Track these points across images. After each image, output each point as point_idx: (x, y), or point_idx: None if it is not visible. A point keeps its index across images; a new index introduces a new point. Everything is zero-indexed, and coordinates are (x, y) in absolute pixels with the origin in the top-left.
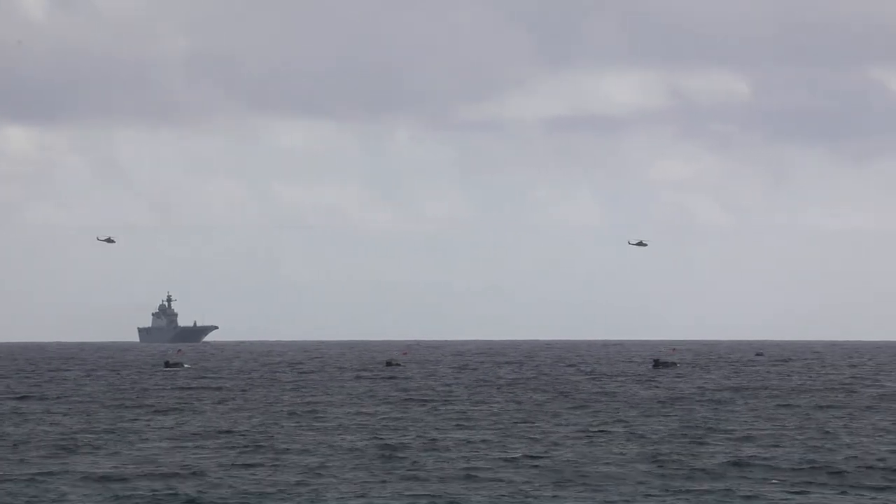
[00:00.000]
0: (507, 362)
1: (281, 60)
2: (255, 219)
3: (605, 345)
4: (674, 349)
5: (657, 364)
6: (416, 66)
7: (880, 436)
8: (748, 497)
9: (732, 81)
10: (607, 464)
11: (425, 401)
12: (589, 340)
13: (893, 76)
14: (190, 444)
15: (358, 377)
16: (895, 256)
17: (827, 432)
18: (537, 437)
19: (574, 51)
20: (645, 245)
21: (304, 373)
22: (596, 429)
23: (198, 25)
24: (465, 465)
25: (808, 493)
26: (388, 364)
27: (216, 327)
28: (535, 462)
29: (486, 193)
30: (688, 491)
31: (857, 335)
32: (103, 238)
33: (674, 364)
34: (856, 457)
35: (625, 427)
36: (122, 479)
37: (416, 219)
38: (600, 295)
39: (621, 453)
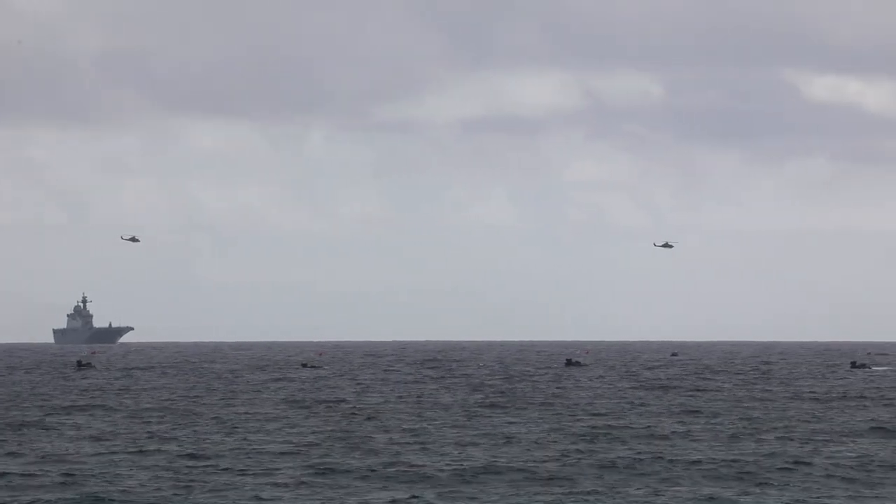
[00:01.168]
0: (424, 360)
1: (195, 60)
2: (170, 219)
3: (522, 346)
4: (587, 350)
5: (569, 363)
6: (331, 66)
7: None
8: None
9: (645, 82)
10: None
11: (340, 401)
12: (503, 341)
13: (805, 77)
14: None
15: (275, 380)
16: (808, 256)
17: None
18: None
19: (489, 51)
20: (671, 247)
21: (219, 374)
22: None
23: (111, 24)
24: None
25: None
26: (304, 366)
27: (132, 328)
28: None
29: (402, 194)
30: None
31: (785, 336)
32: (128, 237)
33: (583, 364)
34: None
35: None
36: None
37: (332, 220)
38: (516, 296)
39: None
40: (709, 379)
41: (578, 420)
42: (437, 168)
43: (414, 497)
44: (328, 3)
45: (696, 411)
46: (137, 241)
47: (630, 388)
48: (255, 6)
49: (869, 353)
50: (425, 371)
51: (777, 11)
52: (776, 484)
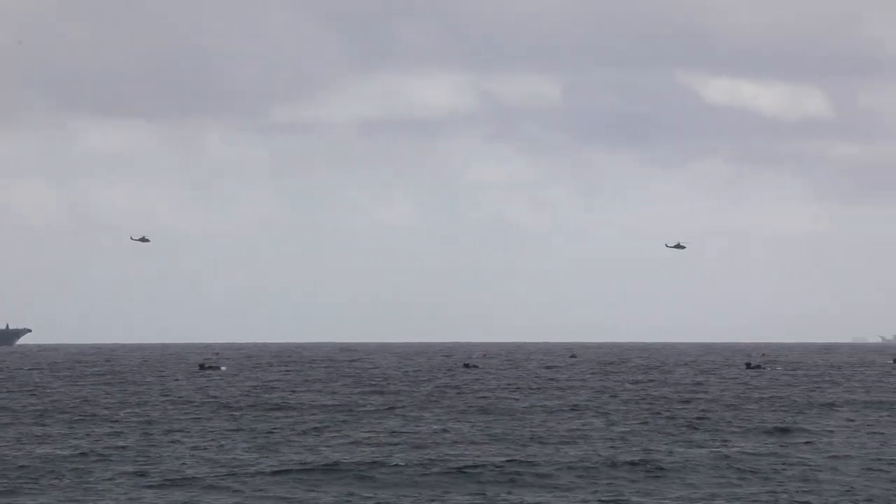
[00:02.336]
0: (317, 359)
1: (92, 60)
2: (66, 220)
3: (422, 347)
4: (484, 353)
5: (467, 366)
6: (228, 67)
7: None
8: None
9: (543, 84)
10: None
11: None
12: (404, 343)
13: (700, 79)
14: None
15: (176, 381)
16: (707, 257)
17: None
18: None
19: (387, 52)
20: (683, 248)
21: (112, 376)
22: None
23: (7, 23)
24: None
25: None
26: (202, 367)
27: (29, 330)
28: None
29: (300, 195)
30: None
31: (684, 336)
32: (137, 238)
33: (477, 367)
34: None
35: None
36: None
37: (230, 220)
38: (416, 296)
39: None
40: (607, 376)
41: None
42: (336, 169)
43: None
44: (225, 4)
45: (585, 407)
46: (147, 241)
47: (512, 392)
48: (152, 7)
49: (763, 355)
50: (314, 373)
51: (672, 14)
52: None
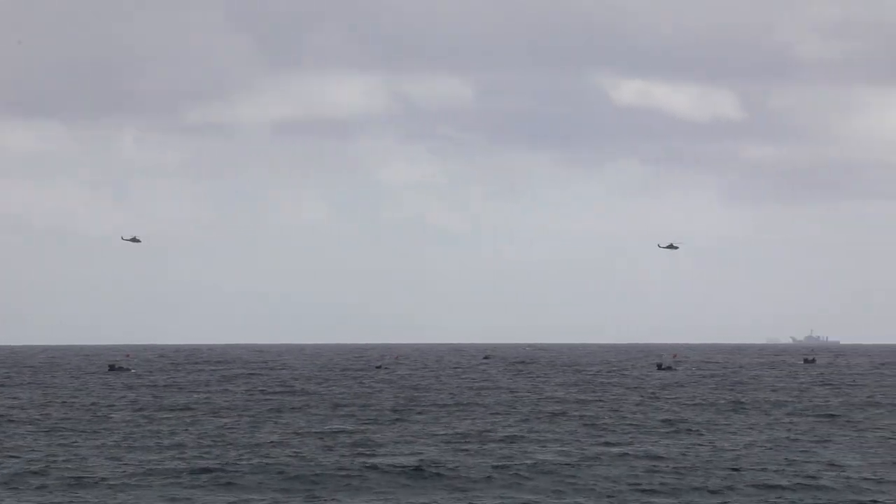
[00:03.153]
0: (220, 361)
1: (4, 61)
2: None
3: (337, 349)
4: (397, 356)
5: (379, 368)
6: (141, 67)
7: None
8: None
9: (457, 85)
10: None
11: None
12: (321, 344)
13: (613, 81)
14: None
15: (84, 382)
16: (623, 259)
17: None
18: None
19: (300, 54)
20: (676, 248)
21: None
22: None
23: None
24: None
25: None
26: (112, 368)
27: None
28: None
29: (215, 196)
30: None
31: (598, 338)
32: (128, 238)
33: (388, 368)
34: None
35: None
36: None
37: (145, 222)
38: (332, 297)
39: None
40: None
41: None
42: (251, 170)
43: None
44: (139, 5)
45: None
46: (139, 241)
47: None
48: (65, 8)
49: (675, 356)
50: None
51: (586, 16)
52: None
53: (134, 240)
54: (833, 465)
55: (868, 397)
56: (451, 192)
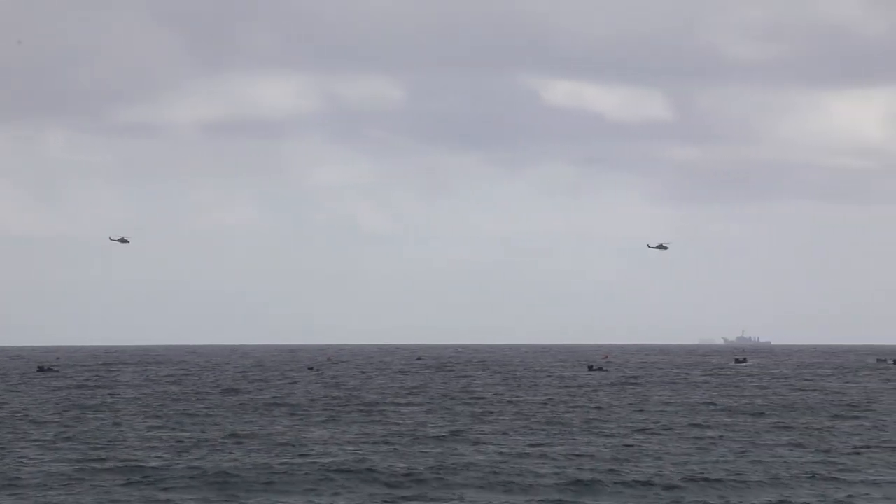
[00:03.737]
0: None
1: None
2: None
3: (268, 350)
4: (329, 357)
5: (311, 369)
6: (68, 67)
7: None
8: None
9: (386, 86)
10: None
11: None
12: (254, 345)
13: (543, 82)
14: None
15: (9, 383)
16: (552, 259)
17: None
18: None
19: (230, 54)
20: (666, 248)
21: None
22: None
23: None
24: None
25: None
26: (41, 369)
27: None
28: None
29: (144, 197)
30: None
31: (526, 338)
32: (116, 238)
33: (321, 370)
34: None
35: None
36: None
37: (71, 223)
38: (262, 298)
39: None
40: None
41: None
42: (179, 170)
43: None
44: (67, 4)
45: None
46: (127, 241)
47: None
48: None
49: (606, 357)
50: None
51: (515, 18)
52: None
53: (122, 240)
54: (755, 460)
55: (782, 396)
56: (380, 192)
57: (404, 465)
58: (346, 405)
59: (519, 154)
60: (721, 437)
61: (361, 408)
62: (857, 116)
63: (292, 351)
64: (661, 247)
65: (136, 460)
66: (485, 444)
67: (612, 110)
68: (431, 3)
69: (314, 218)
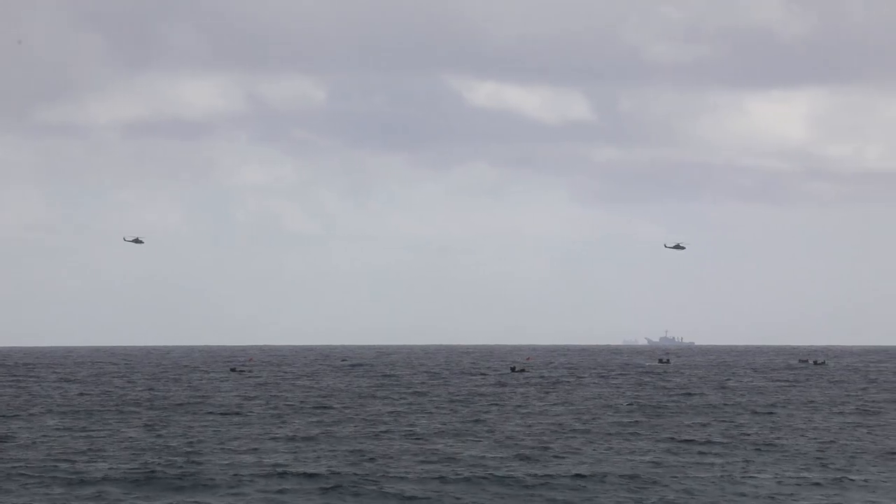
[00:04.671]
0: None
1: None
2: None
3: (191, 350)
4: (251, 358)
5: (233, 370)
6: None
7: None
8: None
9: (309, 87)
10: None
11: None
12: (174, 346)
13: (466, 83)
14: None
15: None
16: (476, 260)
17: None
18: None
19: (151, 54)
20: (683, 248)
21: None
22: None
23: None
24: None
25: None
26: None
27: None
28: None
29: (65, 197)
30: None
31: (461, 339)
32: (130, 239)
33: (244, 371)
34: None
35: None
36: None
37: None
38: (186, 299)
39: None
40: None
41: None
42: (102, 171)
43: None
44: None
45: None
46: (141, 242)
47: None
48: None
49: (528, 358)
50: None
51: (438, 19)
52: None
53: (137, 241)
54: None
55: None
56: (303, 193)
57: (314, 467)
58: (264, 404)
59: (442, 155)
60: (635, 434)
61: (277, 409)
62: (779, 118)
63: (214, 352)
64: (678, 247)
65: (34, 462)
66: (403, 439)
67: (535, 111)
68: (353, 4)
69: (237, 218)
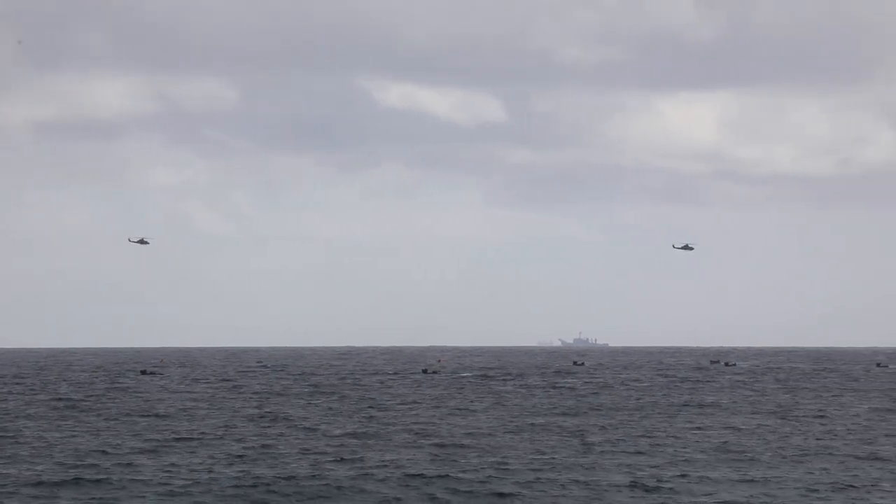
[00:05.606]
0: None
1: None
2: None
3: (103, 352)
4: (161, 359)
5: (143, 373)
6: None
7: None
8: None
9: (221, 88)
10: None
11: None
12: (83, 348)
13: (378, 84)
14: None
15: None
16: (391, 260)
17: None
18: None
19: (61, 54)
20: (692, 249)
21: None
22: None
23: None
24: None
25: None
26: None
27: None
28: None
29: None
30: None
31: (374, 341)
32: (136, 239)
33: (154, 374)
34: None
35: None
36: None
37: None
38: (95, 300)
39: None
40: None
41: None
42: (11, 171)
43: None
44: None
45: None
46: (147, 243)
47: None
48: None
49: (440, 360)
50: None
51: (350, 20)
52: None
53: (142, 241)
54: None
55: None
56: (217, 194)
57: (201, 469)
58: (168, 406)
59: (356, 156)
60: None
61: (180, 410)
62: (689, 120)
63: (124, 354)
64: (686, 247)
65: None
66: (301, 435)
67: (448, 113)
68: (265, 5)
69: (149, 219)
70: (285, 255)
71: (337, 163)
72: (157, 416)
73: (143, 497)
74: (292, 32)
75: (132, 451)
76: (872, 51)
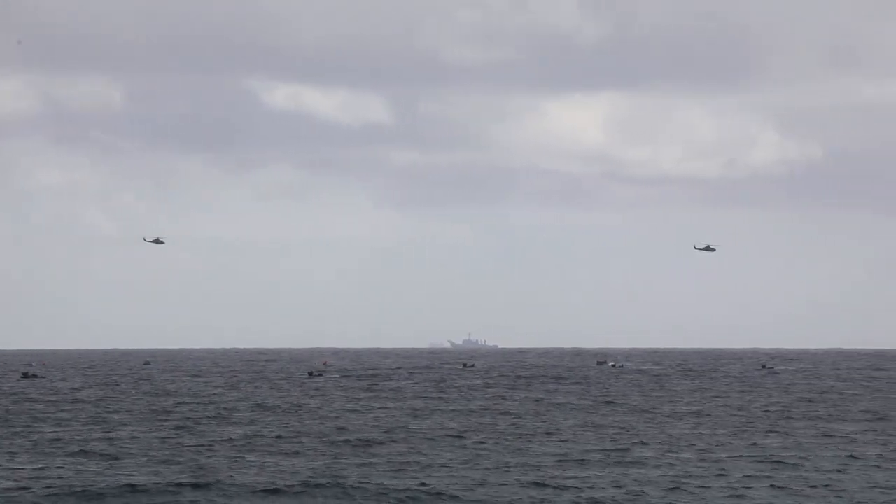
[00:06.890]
0: None
1: None
2: None
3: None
4: (43, 362)
5: (25, 375)
6: None
7: None
8: None
9: (106, 88)
10: None
11: None
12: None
13: (265, 84)
14: None
15: None
16: (279, 262)
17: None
18: None
19: None
20: (713, 250)
21: None
22: None
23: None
24: None
25: None
26: None
27: None
28: None
29: None
30: None
31: (263, 343)
32: (151, 239)
33: (36, 376)
34: None
35: None
36: None
37: None
38: None
39: None
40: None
41: None
42: None
43: None
44: None
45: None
46: (162, 242)
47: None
48: None
49: (325, 362)
50: None
51: (235, 19)
52: None
53: (157, 241)
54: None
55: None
56: (104, 195)
57: (91, 473)
58: (54, 408)
59: (243, 157)
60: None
61: (62, 412)
62: (578, 122)
63: (6, 356)
64: (708, 248)
65: None
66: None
67: (334, 114)
68: (150, 3)
69: (33, 221)
70: (173, 256)
71: (225, 163)
72: None
73: None
74: (179, 33)
75: None
76: (758, 53)
